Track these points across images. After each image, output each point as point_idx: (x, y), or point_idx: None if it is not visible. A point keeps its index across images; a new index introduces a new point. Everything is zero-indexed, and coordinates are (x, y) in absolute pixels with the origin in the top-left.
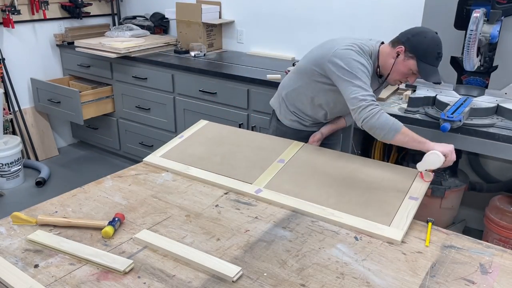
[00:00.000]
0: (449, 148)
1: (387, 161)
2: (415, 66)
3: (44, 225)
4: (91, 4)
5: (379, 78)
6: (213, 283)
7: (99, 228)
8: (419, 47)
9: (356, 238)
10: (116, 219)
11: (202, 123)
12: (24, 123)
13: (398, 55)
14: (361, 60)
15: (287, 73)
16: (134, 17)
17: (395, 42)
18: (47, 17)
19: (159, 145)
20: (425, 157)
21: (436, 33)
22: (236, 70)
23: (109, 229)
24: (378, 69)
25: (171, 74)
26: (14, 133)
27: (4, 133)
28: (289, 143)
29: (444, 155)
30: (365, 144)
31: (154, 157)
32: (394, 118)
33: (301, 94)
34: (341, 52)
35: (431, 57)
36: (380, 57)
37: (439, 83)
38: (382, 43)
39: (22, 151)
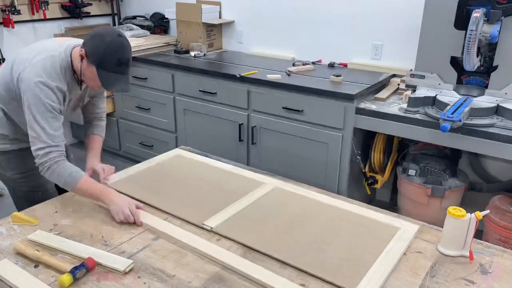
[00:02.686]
0: (117, 208)
1: (387, 162)
2: (96, 74)
3: (44, 227)
4: (91, 4)
5: (81, 84)
6: (213, 283)
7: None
8: (95, 52)
9: None
10: (82, 266)
11: (176, 152)
12: None
13: (83, 58)
14: (48, 95)
15: (287, 73)
16: (134, 17)
17: (83, 43)
18: (47, 17)
19: (159, 145)
20: None
21: (120, 35)
22: (236, 70)
23: (65, 279)
24: (75, 74)
25: (171, 74)
26: None
27: None
28: (258, 184)
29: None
30: (365, 145)
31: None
32: (71, 171)
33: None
34: (27, 82)
35: (110, 65)
36: (73, 61)
37: (125, 91)
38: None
39: None
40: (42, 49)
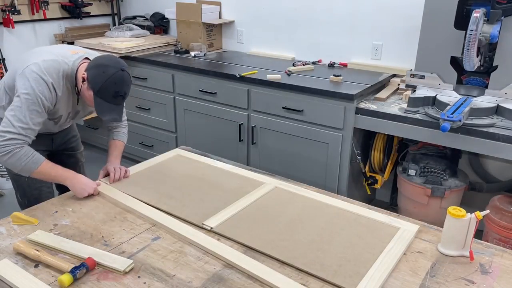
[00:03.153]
0: (82, 192)
1: (387, 161)
2: (92, 99)
3: (44, 227)
4: (91, 4)
5: (78, 95)
6: (213, 283)
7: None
8: (96, 80)
9: None
10: (82, 266)
11: (176, 152)
12: None
13: (84, 81)
14: (42, 90)
15: (287, 73)
16: (134, 17)
17: (87, 67)
18: (47, 17)
19: (159, 145)
20: None
21: (123, 69)
22: (236, 70)
23: (65, 278)
24: (76, 88)
25: (171, 74)
26: None
27: None
28: (258, 184)
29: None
30: (365, 145)
31: (104, 186)
32: (33, 154)
33: None
34: (27, 73)
35: (107, 95)
36: (77, 75)
37: (116, 121)
38: (87, 59)
39: None
40: (54, 53)
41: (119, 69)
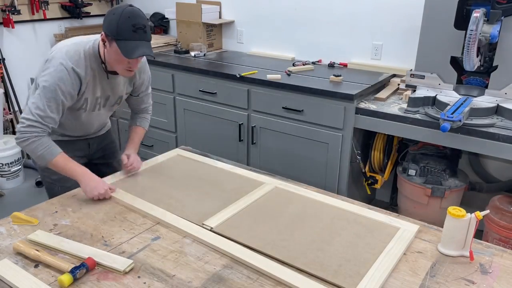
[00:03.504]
0: (92, 190)
1: (387, 161)
2: (117, 48)
3: (44, 227)
4: (91, 4)
5: (115, 73)
6: (213, 283)
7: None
8: (111, 26)
9: None
10: (82, 266)
11: (176, 152)
12: None
13: (104, 43)
14: (61, 78)
15: (287, 73)
16: None
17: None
18: (47, 17)
19: (159, 145)
20: None
21: (131, 5)
22: (236, 70)
23: (65, 278)
24: (104, 65)
25: (171, 74)
26: (14, 133)
27: (4, 133)
28: (258, 184)
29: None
30: (365, 145)
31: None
32: (49, 145)
33: None
34: (48, 63)
35: (126, 32)
36: (100, 53)
37: (149, 55)
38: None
39: (22, 151)
40: (72, 41)
41: (127, 5)
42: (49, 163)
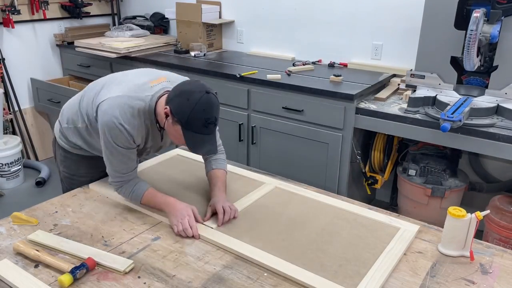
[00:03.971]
0: (176, 219)
1: (387, 161)
2: (182, 135)
3: (44, 227)
4: (91, 4)
5: (162, 131)
6: (213, 283)
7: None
8: (181, 111)
9: None
10: (82, 266)
11: (176, 152)
12: (24, 123)
13: (167, 116)
14: (117, 137)
15: (287, 73)
16: (134, 17)
17: (167, 99)
18: (47, 17)
19: None
20: None
21: (208, 92)
22: (236, 70)
23: (65, 278)
24: (158, 124)
25: None
26: (14, 133)
27: (4, 133)
28: (259, 184)
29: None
30: (365, 145)
31: (105, 185)
32: (132, 190)
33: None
34: (102, 116)
35: (196, 125)
36: (157, 113)
37: (212, 153)
38: (167, 91)
39: (22, 151)
40: (131, 84)
41: (204, 92)
42: (141, 205)
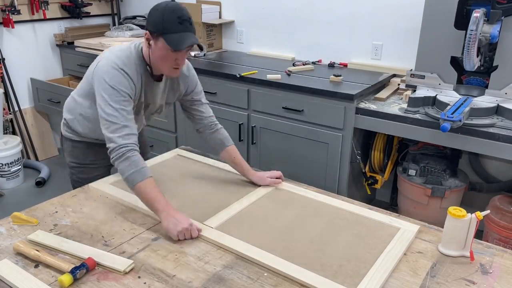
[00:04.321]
0: (176, 225)
1: (387, 161)
2: (165, 43)
3: (44, 227)
4: (91, 4)
5: (159, 79)
6: (213, 283)
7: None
8: (156, 22)
9: None
10: (82, 266)
11: (176, 152)
12: (24, 123)
13: (149, 42)
14: (119, 80)
15: (287, 73)
16: (134, 17)
17: (145, 28)
18: (47, 17)
19: (159, 145)
20: None
21: (173, 0)
22: (236, 70)
23: (65, 279)
24: (150, 68)
25: None
26: (14, 133)
27: (4, 133)
28: (257, 185)
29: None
30: (365, 145)
31: (105, 185)
32: (143, 166)
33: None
34: (100, 70)
35: (172, 25)
36: (144, 55)
37: (196, 43)
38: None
39: (22, 151)
40: (116, 49)
41: (169, 1)
42: (136, 185)
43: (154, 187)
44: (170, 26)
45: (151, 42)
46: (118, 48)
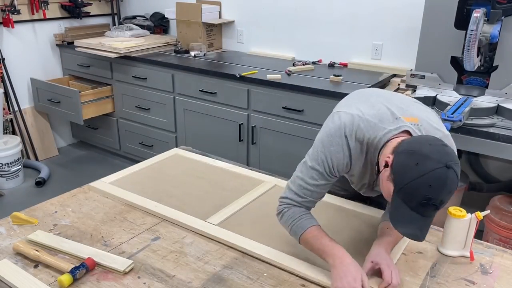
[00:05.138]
0: (342, 283)
1: None
2: (391, 193)
3: (44, 227)
4: (91, 4)
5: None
6: (213, 283)
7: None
8: (401, 173)
9: None
10: (81, 266)
11: (175, 151)
12: (24, 123)
13: (386, 165)
14: (332, 152)
15: (287, 73)
16: (134, 17)
17: (396, 148)
18: (47, 17)
19: (159, 145)
20: None
21: (449, 167)
22: (236, 70)
23: (64, 279)
24: (377, 166)
25: (171, 74)
26: (14, 133)
27: (4, 133)
28: (259, 182)
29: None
30: None
31: (104, 184)
32: (300, 216)
33: None
34: (331, 123)
35: (411, 199)
36: (381, 153)
37: (416, 239)
38: (407, 132)
39: (22, 151)
40: (376, 109)
41: (444, 165)
42: (300, 238)
43: (317, 235)
44: (408, 196)
45: (386, 170)
46: (367, 111)
